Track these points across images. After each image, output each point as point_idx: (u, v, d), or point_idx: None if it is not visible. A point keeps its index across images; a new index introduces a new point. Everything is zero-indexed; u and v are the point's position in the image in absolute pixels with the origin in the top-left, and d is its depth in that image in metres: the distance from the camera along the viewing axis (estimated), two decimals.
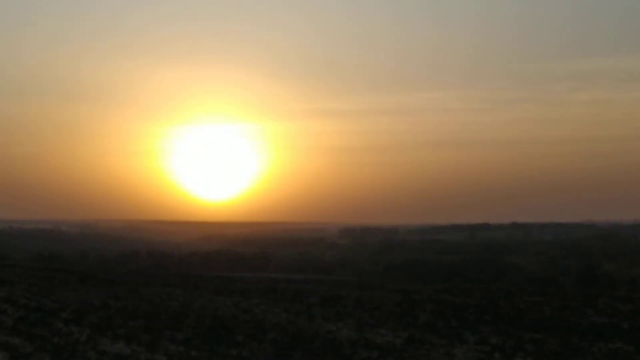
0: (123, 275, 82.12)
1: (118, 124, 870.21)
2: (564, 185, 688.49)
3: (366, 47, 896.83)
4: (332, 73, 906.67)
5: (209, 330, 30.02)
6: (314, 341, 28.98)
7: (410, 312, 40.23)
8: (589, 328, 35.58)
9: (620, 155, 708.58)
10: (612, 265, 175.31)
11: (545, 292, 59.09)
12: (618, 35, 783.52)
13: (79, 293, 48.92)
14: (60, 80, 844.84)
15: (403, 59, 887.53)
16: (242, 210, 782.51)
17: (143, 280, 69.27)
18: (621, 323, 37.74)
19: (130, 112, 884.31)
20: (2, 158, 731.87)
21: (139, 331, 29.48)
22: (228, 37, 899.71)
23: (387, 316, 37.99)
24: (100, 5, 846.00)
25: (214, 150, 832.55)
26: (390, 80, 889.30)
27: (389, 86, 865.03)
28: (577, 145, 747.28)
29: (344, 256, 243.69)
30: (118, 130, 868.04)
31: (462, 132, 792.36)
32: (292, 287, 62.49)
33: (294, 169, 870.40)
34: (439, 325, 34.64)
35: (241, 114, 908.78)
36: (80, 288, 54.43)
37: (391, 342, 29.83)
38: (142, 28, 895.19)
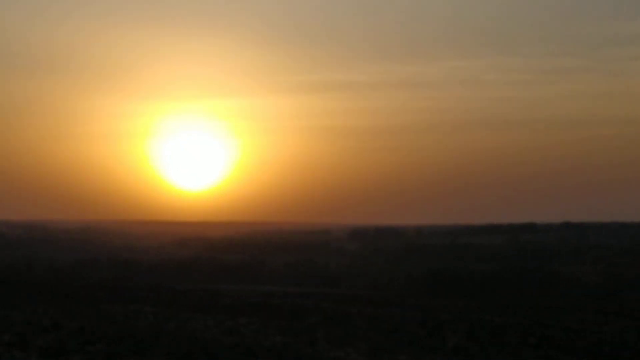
0: (79, 288, 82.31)
1: (74, 99, 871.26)
2: (628, 176, 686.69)
3: (376, 3, 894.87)
4: (334, 36, 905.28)
5: (186, 357, 30.14)
6: None
7: (437, 334, 40.30)
8: None
9: None
10: None
11: (606, 309, 59.15)
12: None
13: (24, 311, 49.07)
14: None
15: (423, 18, 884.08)
16: (225, 206, 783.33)
17: (104, 295, 69.45)
18: None
19: (89, 85, 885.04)
20: None
21: (99, 358, 29.61)
22: None
23: (408, 339, 38.07)
24: None
25: (191, 131, 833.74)
26: (407, 45, 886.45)
27: (406, 53, 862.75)
28: None
29: (354, 264, 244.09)
30: (73, 108, 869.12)
31: (498, 110, 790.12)
32: (290, 303, 62.61)
33: (288, 155, 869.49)
34: (473, 350, 34.72)
35: (222, 87, 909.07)
36: (25, 304, 54.57)
37: None
38: None
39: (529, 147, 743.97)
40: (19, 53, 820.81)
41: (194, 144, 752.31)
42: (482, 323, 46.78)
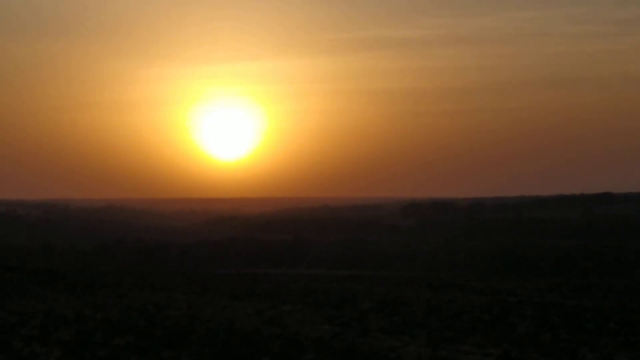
0: (104, 274, 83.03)
1: (93, 63, 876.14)
2: None
3: None
4: None
5: (224, 350, 30.28)
6: None
7: (504, 321, 40.19)
8: None
9: None
10: None
11: None
12: None
13: (45, 301, 49.55)
14: (9, 7, 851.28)
15: None
16: (261, 178, 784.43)
17: (131, 282, 69.97)
18: None
19: (108, 48, 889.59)
20: None
21: (128, 352, 29.81)
22: None
23: (471, 327, 38.00)
24: None
25: (223, 97, 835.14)
26: None
27: (469, 3, 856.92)
28: None
29: (409, 243, 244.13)
30: (93, 73, 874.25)
31: (577, 66, 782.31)
32: (338, 288, 62.71)
33: (333, 121, 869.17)
34: (544, 338, 34.59)
35: (255, 48, 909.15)
36: (45, 294, 55.12)
37: None
38: None
39: (604, 107, 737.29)
40: (37, 9, 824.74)
41: (224, 111, 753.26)
42: (555, 307, 46.57)
